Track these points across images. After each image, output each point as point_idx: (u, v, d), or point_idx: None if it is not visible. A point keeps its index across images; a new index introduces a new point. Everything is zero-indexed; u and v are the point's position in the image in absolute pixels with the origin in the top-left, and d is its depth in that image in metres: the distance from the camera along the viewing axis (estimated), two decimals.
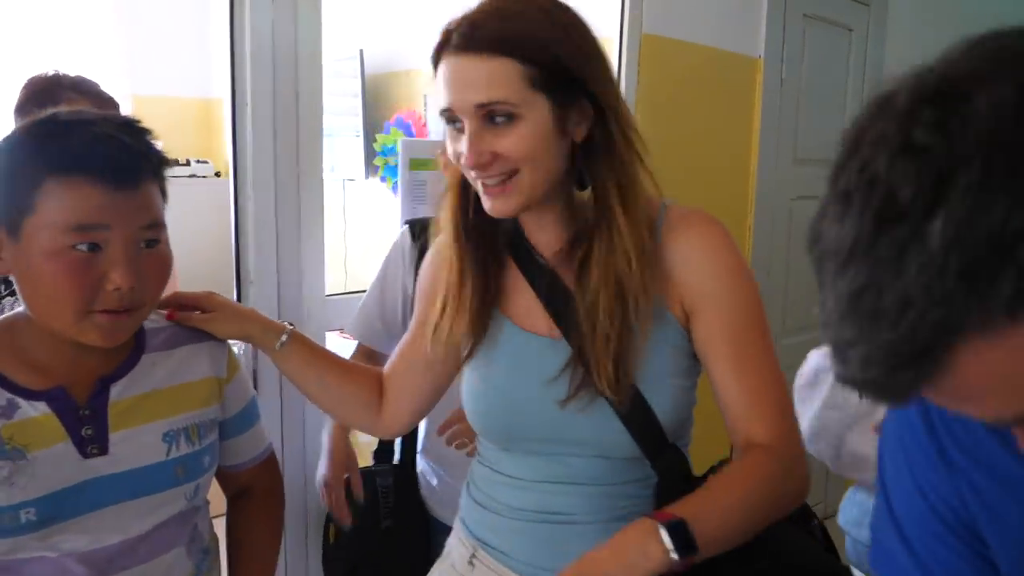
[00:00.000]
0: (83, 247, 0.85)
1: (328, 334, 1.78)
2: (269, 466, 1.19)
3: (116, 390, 0.96)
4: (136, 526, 0.96)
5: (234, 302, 0.89)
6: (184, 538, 1.02)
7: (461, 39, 0.85)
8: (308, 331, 1.65)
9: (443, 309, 0.98)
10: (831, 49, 2.99)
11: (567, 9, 0.89)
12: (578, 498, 0.95)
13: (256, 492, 1.18)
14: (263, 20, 1.53)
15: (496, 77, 0.83)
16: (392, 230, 3.26)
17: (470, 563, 1.03)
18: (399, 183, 1.83)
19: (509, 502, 1.00)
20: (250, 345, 1.58)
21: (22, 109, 1.59)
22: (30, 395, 0.91)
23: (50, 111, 0.90)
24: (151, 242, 0.91)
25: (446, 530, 1.15)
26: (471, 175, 0.89)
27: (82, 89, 1.59)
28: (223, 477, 1.13)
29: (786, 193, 2.88)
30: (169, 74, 4.42)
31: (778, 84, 2.75)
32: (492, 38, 0.84)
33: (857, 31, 3.08)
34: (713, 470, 0.97)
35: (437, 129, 3.22)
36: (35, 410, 0.91)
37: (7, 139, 0.89)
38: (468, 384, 1.02)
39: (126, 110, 1.62)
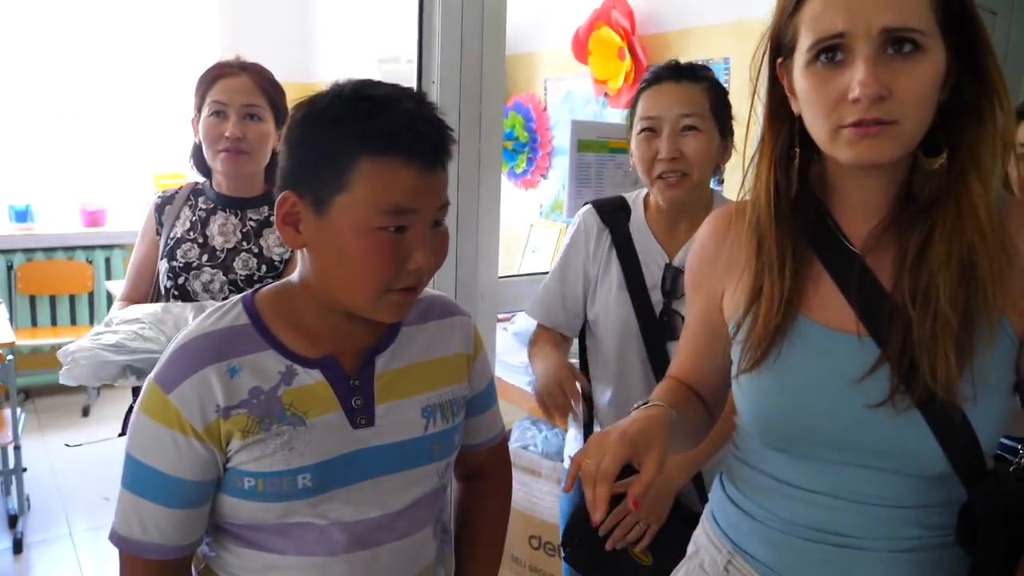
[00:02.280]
0: (391, 229, 0.84)
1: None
2: (502, 449, 1.17)
3: (380, 362, 0.96)
4: (394, 501, 0.96)
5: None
6: (433, 518, 1.02)
7: None
8: (482, 312, 1.65)
9: (753, 305, 0.89)
10: None
11: None
12: (863, 518, 0.86)
13: (490, 475, 1.16)
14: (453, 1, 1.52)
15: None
16: (514, 214, 3.27)
17: (725, 570, 0.96)
18: (569, 164, 1.80)
19: (779, 513, 0.91)
20: None
21: (196, 90, 1.62)
22: (305, 362, 0.91)
23: (352, 82, 0.88)
24: (439, 221, 0.90)
25: None
26: (845, 117, 0.77)
27: (246, 66, 1.62)
28: (459, 457, 1.10)
29: None
30: (269, 59, 4.50)
31: None
32: None
33: (1001, 14, 2.94)
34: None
35: (556, 114, 3.19)
36: (311, 377, 0.91)
37: (313, 115, 0.86)
38: (752, 380, 0.91)
39: None
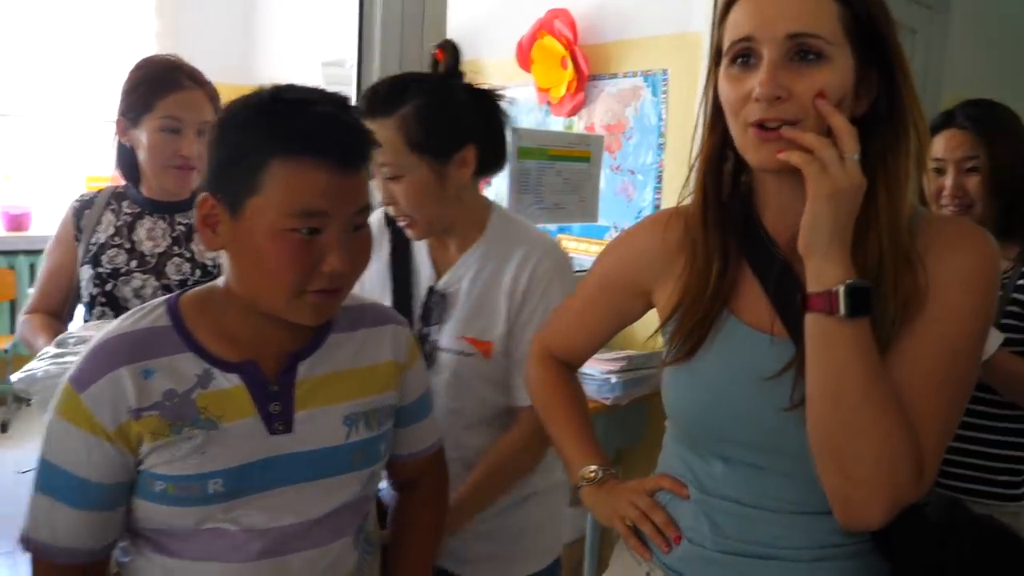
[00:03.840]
0: (304, 231, 0.84)
1: None
2: (437, 460, 1.16)
3: (303, 368, 0.95)
4: (312, 509, 0.94)
5: None
6: (354, 528, 1.00)
7: None
8: None
9: (681, 305, 0.92)
10: None
11: None
12: (786, 527, 0.87)
13: (422, 485, 1.15)
14: (394, 7, 1.53)
15: (816, 8, 0.78)
16: None
17: None
18: (509, 171, 1.82)
19: (703, 524, 0.91)
20: None
21: (136, 90, 1.54)
22: (224, 366, 0.91)
23: (269, 87, 0.87)
24: (359, 225, 0.90)
25: None
26: (750, 115, 0.80)
27: (199, 79, 1.56)
28: (391, 466, 1.10)
29: None
30: (208, 60, 4.41)
31: None
32: None
33: (920, 33, 3.08)
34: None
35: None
36: (228, 382, 0.91)
37: (231, 117, 0.87)
38: (673, 374, 0.94)
39: None
